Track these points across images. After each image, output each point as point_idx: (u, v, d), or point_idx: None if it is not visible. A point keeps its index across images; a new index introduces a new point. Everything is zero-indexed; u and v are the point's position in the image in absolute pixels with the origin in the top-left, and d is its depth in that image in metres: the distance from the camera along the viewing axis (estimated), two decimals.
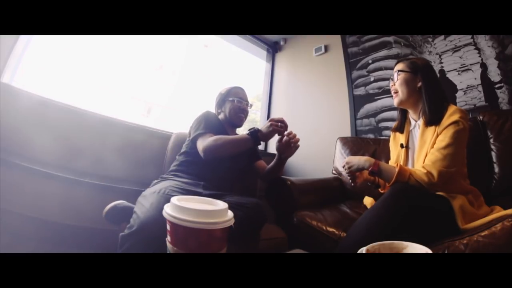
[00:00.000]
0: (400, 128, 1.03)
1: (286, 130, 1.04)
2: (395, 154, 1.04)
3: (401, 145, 0.99)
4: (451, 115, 0.83)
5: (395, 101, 0.96)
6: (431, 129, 0.87)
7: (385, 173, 0.86)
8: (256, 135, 0.99)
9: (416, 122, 0.96)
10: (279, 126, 1.00)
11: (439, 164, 0.80)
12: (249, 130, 1.02)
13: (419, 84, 0.90)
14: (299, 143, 1.09)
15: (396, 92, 0.95)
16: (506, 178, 1.09)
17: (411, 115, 0.99)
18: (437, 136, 0.85)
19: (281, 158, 1.13)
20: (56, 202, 1.09)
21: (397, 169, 0.82)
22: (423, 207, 0.78)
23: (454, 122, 0.82)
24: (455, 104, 1.44)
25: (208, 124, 1.10)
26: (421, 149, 0.89)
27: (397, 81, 0.93)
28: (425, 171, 0.80)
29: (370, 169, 0.88)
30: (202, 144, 1.01)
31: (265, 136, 1.00)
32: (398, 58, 1.73)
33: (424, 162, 0.86)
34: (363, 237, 0.75)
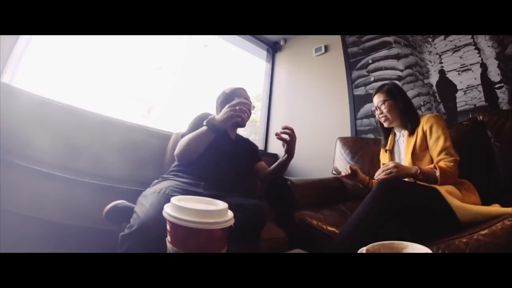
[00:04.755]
0: (386, 143, 1.21)
1: (246, 114, 1.10)
2: (383, 160, 1.20)
3: (386, 150, 1.19)
4: (428, 120, 1.03)
5: (385, 124, 1.15)
6: (413, 135, 1.07)
7: (429, 177, 0.94)
8: (213, 124, 0.98)
9: (400, 133, 1.16)
10: (237, 110, 0.98)
11: (452, 154, 0.96)
12: (205, 122, 1.00)
13: (401, 106, 1.10)
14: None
15: (386, 117, 1.13)
16: (506, 178, 1.09)
17: (396, 129, 1.18)
18: (423, 135, 1.03)
19: (286, 158, 1.13)
20: (56, 202, 1.09)
21: (438, 172, 0.91)
22: (409, 195, 0.84)
23: (435, 123, 1.01)
24: (455, 104, 1.45)
25: (194, 127, 1.09)
26: (408, 149, 1.06)
27: (384, 109, 1.12)
28: (452, 164, 0.93)
29: (418, 173, 0.96)
30: (175, 152, 1.04)
31: (222, 122, 0.98)
32: (398, 58, 1.73)
33: (412, 152, 1.03)
34: (355, 228, 0.83)
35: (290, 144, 1.09)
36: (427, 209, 0.84)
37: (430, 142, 1.01)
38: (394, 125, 1.16)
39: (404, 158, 1.08)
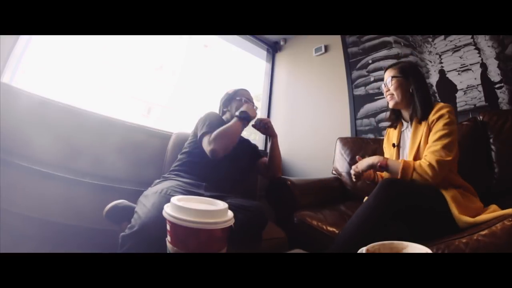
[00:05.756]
0: (394, 125, 1.10)
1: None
2: (388, 154, 1.09)
3: (393, 145, 1.06)
4: (438, 110, 0.92)
5: (390, 103, 1.04)
6: (422, 126, 0.95)
7: (391, 168, 0.91)
8: (246, 115, 1.11)
9: (407, 123, 1.04)
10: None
11: (438, 154, 0.85)
12: (237, 115, 1.11)
13: (411, 87, 0.99)
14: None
15: (391, 95, 1.02)
16: (506, 178, 1.09)
17: (404, 116, 1.06)
18: (428, 129, 0.92)
19: (272, 139, 1.28)
20: (56, 202, 1.09)
21: (401, 164, 0.87)
22: (412, 195, 0.81)
23: (441, 116, 0.90)
24: (455, 104, 1.44)
25: (212, 123, 1.12)
26: (413, 145, 0.96)
27: (391, 86, 1.01)
28: (427, 163, 0.85)
29: (379, 164, 0.93)
30: (207, 146, 1.04)
31: (250, 112, 1.13)
32: (398, 58, 1.73)
33: (415, 155, 0.93)
34: (357, 227, 0.81)
35: (267, 130, 1.25)
36: (428, 210, 0.82)
37: (430, 135, 0.91)
38: (400, 107, 1.04)
39: (408, 152, 0.97)
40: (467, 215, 0.78)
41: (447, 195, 0.83)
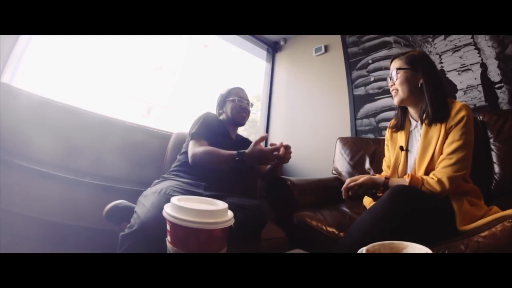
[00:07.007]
0: (400, 126, 0.98)
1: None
2: (393, 155, 0.99)
3: (401, 148, 0.94)
4: (457, 113, 0.81)
5: (395, 100, 0.92)
6: (435, 127, 0.84)
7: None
8: (243, 160, 0.96)
9: (417, 123, 0.93)
10: (267, 153, 1.00)
11: (450, 169, 0.79)
12: (238, 153, 0.97)
13: (421, 81, 0.86)
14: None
15: (396, 91, 0.90)
16: (506, 178, 1.09)
17: (412, 114, 0.95)
18: (445, 133, 0.82)
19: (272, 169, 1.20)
20: (56, 202, 1.09)
21: (408, 180, 0.81)
22: (421, 209, 0.76)
23: (460, 121, 0.80)
24: None
25: (204, 125, 1.12)
26: (425, 150, 0.86)
27: (396, 80, 0.89)
28: (436, 179, 0.79)
29: (381, 188, 0.87)
30: (192, 149, 1.04)
31: (251, 161, 0.98)
32: None
33: (428, 164, 0.84)
34: (360, 238, 0.74)
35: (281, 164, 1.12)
36: (433, 215, 0.79)
37: (446, 143, 0.80)
38: (406, 104, 0.91)
39: (419, 158, 0.86)
40: (470, 223, 0.76)
41: (456, 206, 0.79)
